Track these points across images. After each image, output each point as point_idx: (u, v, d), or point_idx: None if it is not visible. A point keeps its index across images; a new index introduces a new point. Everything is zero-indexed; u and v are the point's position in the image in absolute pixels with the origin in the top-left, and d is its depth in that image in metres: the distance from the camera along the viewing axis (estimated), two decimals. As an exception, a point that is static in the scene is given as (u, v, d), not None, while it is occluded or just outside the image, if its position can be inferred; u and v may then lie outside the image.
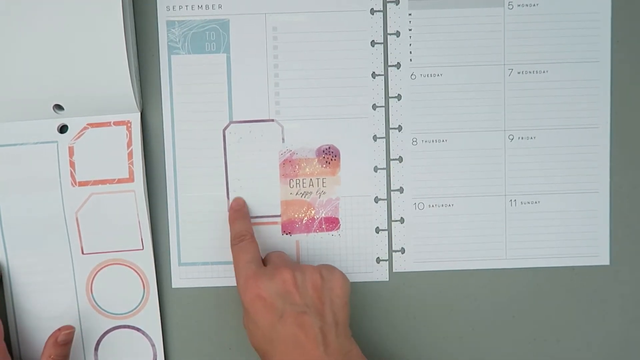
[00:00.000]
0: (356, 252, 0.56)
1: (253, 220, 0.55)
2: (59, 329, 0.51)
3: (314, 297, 0.47)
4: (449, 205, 0.55)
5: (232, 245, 0.51)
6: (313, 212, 0.55)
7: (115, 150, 0.53)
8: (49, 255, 0.52)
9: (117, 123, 0.53)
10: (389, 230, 0.56)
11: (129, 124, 0.53)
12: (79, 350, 0.55)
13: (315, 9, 0.54)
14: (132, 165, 0.53)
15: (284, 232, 0.56)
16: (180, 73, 0.54)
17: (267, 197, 0.55)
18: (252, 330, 0.48)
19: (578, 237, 0.56)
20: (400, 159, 0.55)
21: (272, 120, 0.54)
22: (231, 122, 0.55)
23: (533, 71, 0.54)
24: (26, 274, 0.54)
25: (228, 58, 0.54)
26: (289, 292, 0.47)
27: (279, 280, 0.47)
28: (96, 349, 0.56)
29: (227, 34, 0.54)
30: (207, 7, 0.54)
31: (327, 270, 0.49)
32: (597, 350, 0.57)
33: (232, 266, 0.54)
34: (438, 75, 0.55)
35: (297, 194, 0.55)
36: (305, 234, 0.56)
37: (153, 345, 0.56)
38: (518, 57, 0.54)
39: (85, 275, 0.54)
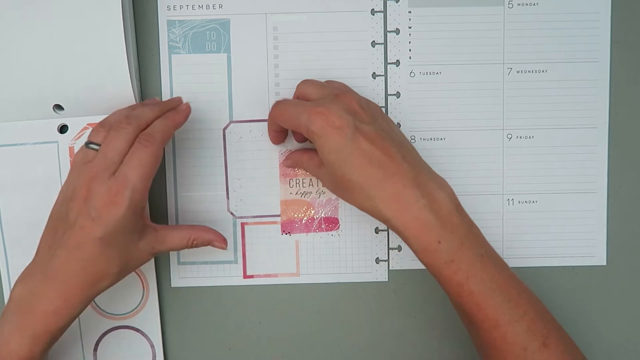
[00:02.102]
0: (355, 252, 0.56)
1: (252, 220, 0.55)
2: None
3: (380, 119, 0.47)
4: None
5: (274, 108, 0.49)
6: (313, 212, 0.56)
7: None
8: (48, 255, 0.52)
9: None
10: (388, 230, 0.56)
11: (129, 124, 0.53)
12: (78, 350, 0.55)
13: (315, 9, 0.54)
14: (132, 165, 0.53)
15: (283, 231, 0.56)
16: (181, 73, 0.54)
17: (266, 197, 0.55)
18: (328, 161, 0.45)
19: (575, 237, 0.56)
20: (400, 158, 0.55)
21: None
22: (231, 122, 0.55)
23: (532, 70, 0.55)
24: (26, 274, 0.54)
25: (228, 58, 0.54)
26: (356, 112, 0.45)
27: (343, 102, 0.46)
28: (95, 349, 0.55)
29: (228, 33, 0.54)
30: (207, 7, 0.54)
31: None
32: (595, 350, 0.57)
33: (231, 265, 0.54)
34: (437, 73, 0.55)
35: (296, 193, 0.55)
36: (305, 233, 0.56)
37: (152, 346, 0.56)
38: (517, 56, 0.55)
39: (85, 275, 0.54)
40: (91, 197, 0.43)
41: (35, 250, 0.47)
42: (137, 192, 0.44)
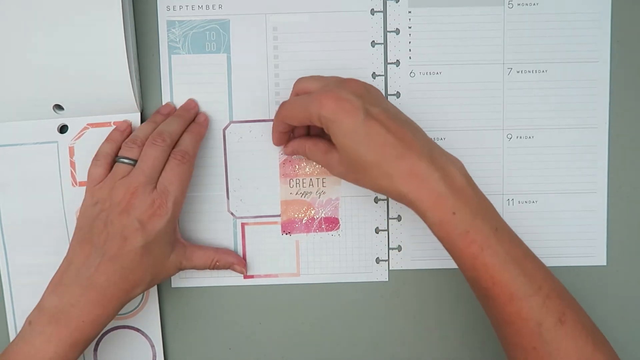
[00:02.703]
0: (356, 252, 0.56)
1: (252, 220, 0.55)
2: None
3: (384, 101, 0.48)
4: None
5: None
6: (313, 212, 0.56)
7: (115, 150, 0.53)
8: (49, 255, 0.52)
9: (117, 123, 0.53)
10: (388, 230, 0.56)
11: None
12: (79, 350, 0.55)
13: (315, 9, 0.54)
14: (132, 165, 0.53)
15: (283, 232, 0.56)
16: (181, 73, 0.54)
17: (267, 197, 0.55)
18: (343, 144, 0.46)
19: (575, 237, 0.56)
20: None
21: (272, 120, 0.54)
22: (231, 122, 0.55)
23: (532, 70, 0.55)
24: (26, 274, 0.54)
25: (228, 58, 0.54)
26: (363, 94, 0.46)
27: (349, 86, 0.47)
28: (95, 349, 0.55)
29: (227, 34, 0.54)
30: (207, 7, 0.54)
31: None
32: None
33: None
34: (437, 73, 0.55)
35: (297, 193, 0.55)
36: (305, 233, 0.56)
37: (153, 346, 0.56)
38: (517, 56, 0.55)
39: (85, 275, 0.54)
40: (133, 209, 0.47)
41: (63, 260, 0.48)
42: (177, 204, 0.49)
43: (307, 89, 0.49)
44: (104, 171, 0.50)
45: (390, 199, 0.56)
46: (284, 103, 0.50)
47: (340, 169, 0.48)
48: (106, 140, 0.51)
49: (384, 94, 0.55)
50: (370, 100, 0.46)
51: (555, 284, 0.45)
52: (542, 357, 0.43)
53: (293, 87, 0.50)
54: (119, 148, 0.50)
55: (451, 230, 0.44)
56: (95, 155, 0.51)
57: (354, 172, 0.47)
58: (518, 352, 0.44)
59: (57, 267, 0.48)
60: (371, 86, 0.48)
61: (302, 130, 0.53)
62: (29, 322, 0.46)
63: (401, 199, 0.45)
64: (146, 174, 0.48)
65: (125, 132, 0.52)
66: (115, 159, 0.50)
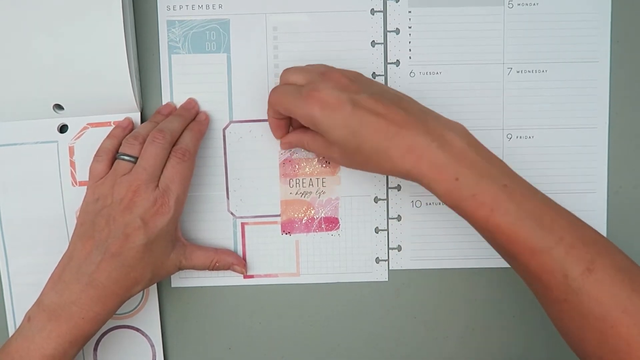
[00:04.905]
0: (355, 252, 0.56)
1: (252, 220, 0.55)
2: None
3: (369, 84, 0.48)
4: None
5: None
6: (313, 211, 0.56)
7: (115, 149, 0.53)
8: (49, 255, 0.52)
9: (117, 123, 0.53)
10: (388, 229, 0.56)
11: (129, 124, 0.53)
12: (79, 350, 0.55)
13: (315, 9, 0.54)
14: (132, 165, 0.53)
15: (283, 231, 0.56)
16: (181, 73, 0.54)
17: (266, 197, 0.55)
18: (338, 138, 0.46)
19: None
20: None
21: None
22: (231, 122, 0.55)
23: (532, 70, 0.55)
24: (26, 274, 0.54)
25: (228, 58, 0.54)
26: (346, 85, 0.46)
27: (331, 80, 0.47)
28: (95, 349, 0.55)
29: (228, 33, 0.54)
30: (207, 7, 0.54)
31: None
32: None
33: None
34: (437, 73, 0.55)
35: (296, 193, 0.55)
36: (305, 233, 0.56)
37: (152, 346, 0.56)
38: (517, 56, 0.55)
39: (85, 274, 0.54)
40: (135, 207, 0.47)
41: (62, 256, 0.48)
42: (179, 202, 0.49)
43: (293, 81, 0.49)
44: (106, 167, 0.50)
45: (389, 199, 0.56)
46: (273, 89, 0.49)
47: (343, 161, 0.48)
48: (108, 136, 0.52)
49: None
50: (354, 89, 0.46)
51: (581, 232, 0.43)
52: (574, 307, 0.41)
53: (280, 78, 0.50)
54: (121, 145, 0.51)
55: (458, 196, 0.43)
56: (97, 151, 0.51)
57: (357, 162, 0.47)
58: (551, 305, 0.43)
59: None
60: (353, 73, 0.48)
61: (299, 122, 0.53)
62: (28, 318, 0.46)
63: (407, 176, 0.45)
64: (148, 172, 0.48)
65: (126, 129, 0.52)
66: (116, 156, 0.50)
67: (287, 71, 0.50)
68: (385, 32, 0.55)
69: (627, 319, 0.40)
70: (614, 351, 0.40)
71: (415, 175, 0.44)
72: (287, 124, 0.52)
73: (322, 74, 0.47)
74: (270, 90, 0.51)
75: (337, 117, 0.45)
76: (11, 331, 0.55)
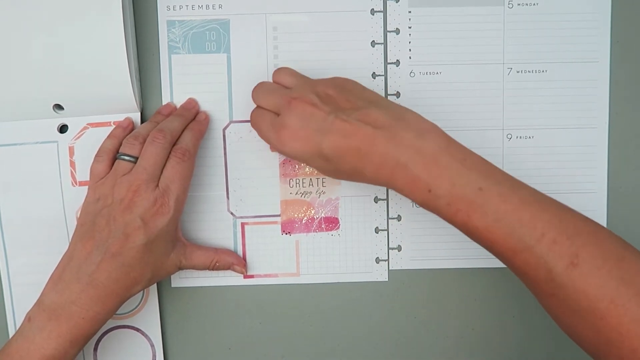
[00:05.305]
0: (355, 252, 0.56)
1: (252, 220, 0.55)
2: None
3: (341, 100, 0.47)
4: (448, 204, 0.55)
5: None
6: (313, 212, 0.56)
7: (115, 149, 0.53)
8: (49, 255, 0.52)
9: (117, 123, 0.53)
10: (388, 229, 0.56)
11: (129, 124, 0.53)
12: (79, 350, 0.55)
13: (315, 9, 0.54)
14: (132, 165, 0.53)
15: (283, 231, 0.56)
16: (181, 73, 0.54)
17: (266, 197, 0.55)
18: (321, 169, 0.48)
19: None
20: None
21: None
22: (231, 122, 0.55)
23: (532, 70, 0.55)
24: (26, 274, 0.54)
25: (228, 58, 0.54)
26: (314, 114, 0.46)
27: (301, 109, 0.46)
28: (95, 349, 0.55)
29: (227, 34, 0.54)
30: (207, 7, 0.54)
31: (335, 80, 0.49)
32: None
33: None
34: (437, 73, 0.55)
35: (296, 193, 0.55)
36: (305, 233, 0.56)
37: (152, 346, 0.56)
38: (517, 56, 0.54)
39: (85, 274, 0.54)
40: (135, 207, 0.47)
41: (63, 256, 0.48)
42: (179, 202, 0.49)
43: (265, 105, 0.50)
44: (106, 167, 0.50)
45: (389, 199, 0.56)
46: (252, 115, 0.50)
47: (329, 175, 0.49)
48: (108, 136, 0.52)
49: (384, 94, 0.55)
50: (320, 116, 0.45)
51: (564, 225, 0.42)
52: (562, 301, 0.41)
53: (253, 99, 0.51)
54: (121, 145, 0.51)
55: (434, 206, 0.44)
56: (98, 151, 0.51)
57: (341, 178, 0.48)
58: (541, 299, 0.44)
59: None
60: (321, 87, 0.47)
61: None
62: (29, 318, 0.46)
63: (389, 188, 0.46)
64: (148, 172, 0.48)
65: (127, 129, 0.52)
66: (116, 156, 0.50)
67: (256, 92, 0.50)
68: (385, 32, 0.55)
69: (616, 310, 0.40)
70: (607, 342, 0.40)
71: (392, 188, 0.45)
72: None
73: (289, 102, 0.47)
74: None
75: (309, 150, 0.45)
76: (11, 331, 0.55)
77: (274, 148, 0.49)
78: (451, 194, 0.43)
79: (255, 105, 0.51)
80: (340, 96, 0.47)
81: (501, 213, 0.42)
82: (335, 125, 0.45)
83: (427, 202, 0.44)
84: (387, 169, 0.44)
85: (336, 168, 0.46)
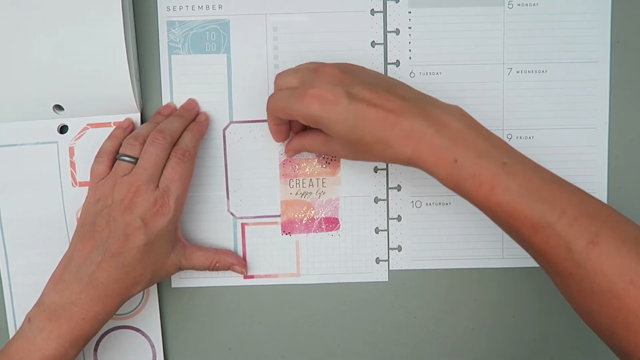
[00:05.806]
0: (355, 252, 0.56)
1: (252, 220, 0.55)
2: None
3: (361, 74, 0.48)
4: (446, 203, 0.55)
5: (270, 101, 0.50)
6: (313, 212, 0.56)
7: (115, 150, 0.53)
8: (49, 255, 0.52)
9: (117, 123, 0.53)
10: (388, 230, 0.56)
11: (129, 124, 0.53)
12: (79, 350, 0.55)
13: (315, 9, 0.54)
14: (132, 165, 0.53)
15: (283, 232, 0.56)
16: (181, 73, 0.54)
17: (266, 197, 0.55)
18: (339, 133, 0.46)
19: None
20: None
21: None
22: (231, 122, 0.55)
23: (532, 71, 0.55)
24: (26, 274, 0.54)
25: (228, 58, 0.54)
26: (340, 79, 0.46)
27: (324, 75, 0.47)
28: (95, 349, 0.55)
29: (227, 34, 0.54)
30: (207, 7, 0.54)
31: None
32: (598, 348, 0.57)
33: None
34: (437, 73, 0.55)
35: (297, 194, 0.55)
36: (305, 234, 0.56)
37: (153, 346, 0.56)
38: (517, 56, 0.54)
39: (85, 275, 0.54)
40: (135, 207, 0.47)
41: (63, 256, 0.48)
42: (179, 203, 0.49)
43: (287, 84, 0.49)
44: (107, 168, 0.50)
45: (389, 200, 0.56)
46: (270, 97, 0.50)
47: (345, 154, 0.49)
48: (109, 137, 0.52)
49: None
50: (348, 82, 0.46)
51: (584, 205, 0.42)
52: (580, 281, 0.41)
53: (274, 85, 0.50)
54: (121, 146, 0.51)
55: (458, 178, 0.43)
56: (98, 152, 0.51)
57: (359, 153, 0.47)
58: (558, 279, 0.43)
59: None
60: (344, 65, 0.48)
61: (299, 124, 0.53)
62: (29, 319, 0.46)
63: (408, 163, 0.45)
64: (148, 173, 0.48)
65: (127, 129, 0.52)
66: (116, 157, 0.50)
67: (279, 76, 0.50)
68: (385, 32, 0.55)
69: (635, 290, 0.39)
70: (625, 325, 0.40)
71: (416, 161, 0.44)
72: (287, 129, 0.53)
73: (314, 70, 0.47)
74: (269, 92, 0.52)
75: (335, 111, 0.45)
76: (11, 331, 0.55)
77: (297, 115, 0.47)
78: (477, 165, 0.43)
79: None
80: (364, 74, 0.48)
81: (524, 189, 0.42)
82: (364, 93, 0.45)
83: (451, 174, 0.43)
84: (414, 139, 0.44)
85: (358, 138, 0.45)
